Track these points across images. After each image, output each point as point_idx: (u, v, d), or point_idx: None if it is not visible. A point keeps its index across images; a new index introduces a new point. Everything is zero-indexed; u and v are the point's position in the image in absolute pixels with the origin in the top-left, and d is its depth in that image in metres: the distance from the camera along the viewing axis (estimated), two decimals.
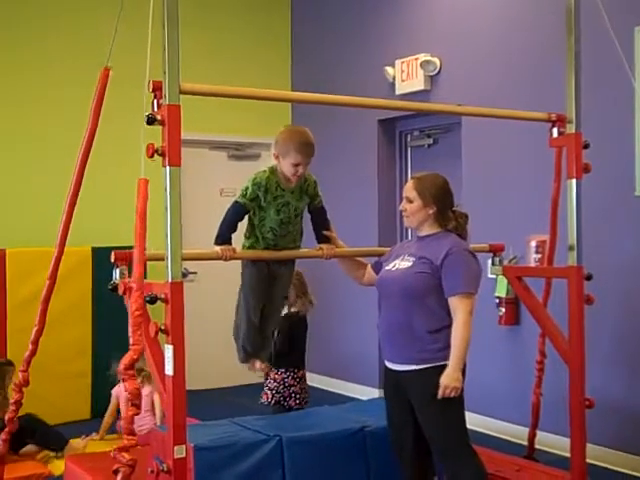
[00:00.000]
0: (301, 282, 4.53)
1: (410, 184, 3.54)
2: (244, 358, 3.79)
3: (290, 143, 3.46)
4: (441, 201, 3.50)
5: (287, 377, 4.56)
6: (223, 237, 3.46)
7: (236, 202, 3.53)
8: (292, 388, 4.56)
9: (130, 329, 2.82)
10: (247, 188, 3.51)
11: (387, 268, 3.58)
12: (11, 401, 3.96)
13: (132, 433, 2.78)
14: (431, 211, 3.49)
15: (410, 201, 3.51)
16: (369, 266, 3.82)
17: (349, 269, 3.88)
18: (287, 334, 4.51)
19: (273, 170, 3.54)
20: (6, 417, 4.00)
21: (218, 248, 3.42)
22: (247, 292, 3.67)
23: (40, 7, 6.64)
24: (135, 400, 2.77)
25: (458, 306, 3.32)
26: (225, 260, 3.43)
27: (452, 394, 3.26)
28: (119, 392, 5.22)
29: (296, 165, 3.47)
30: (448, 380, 3.26)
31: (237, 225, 3.52)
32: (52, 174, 6.33)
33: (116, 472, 2.74)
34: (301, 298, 4.55)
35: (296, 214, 3.61)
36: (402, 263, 3.49)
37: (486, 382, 5.51)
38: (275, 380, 4.54)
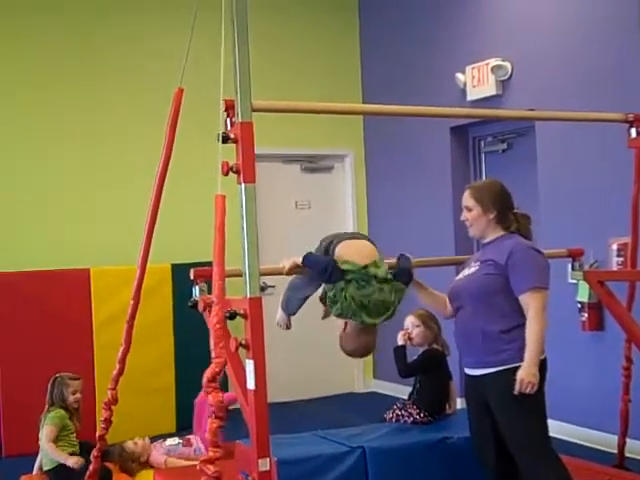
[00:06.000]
0: (437, 324, 4.12)
1: (467, 193, 3.57)
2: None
3: (352, 350, 3.38)
4: (500, 204, 3.52)
5: (421, 417, 4.02)
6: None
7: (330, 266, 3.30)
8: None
9: (212, 343, 2.86)
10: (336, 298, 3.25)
11: (456, 279, 3.63)
12: (101, 419, 4.05)
13: (216, 445, 2.81)
14: (492, 216, 3.51)
15: (469, 210, 3.55)
16: (446, 298, 3.74)
17: (431, 303, 3.83)
18: (429, 370, 4.06)
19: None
20: (97, 434, 4.10)
21: (286, 262, 3.41)
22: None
23: (119, 29, 6.86)
24: (219, 412, 2.80)
25: (529, 302, 3.31)
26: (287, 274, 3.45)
27: (528, 389, 3.23)
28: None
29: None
30: (524, 374, 3.24)
31: None
32: (132, 194, 6.51)
33: None
34: (441, 338, 4.13)
35: None
36: (469, 270, 3.55)
37: (572, 389, 5.39)
38: (411, 415, 4.01)
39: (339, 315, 3.25)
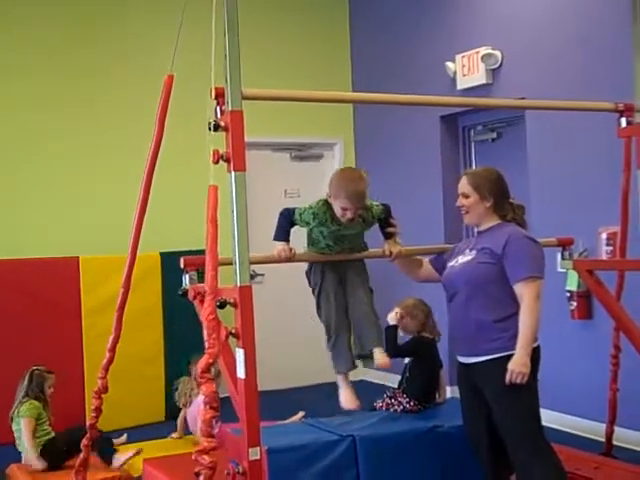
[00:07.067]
0: (424, 312, 4.09)
1: (464, 180, 3.55)
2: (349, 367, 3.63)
3: (341, 189, 3.42)
4: (497, 193, 3.50)
5: (411, 406, 3.99)
6: (277, 238, 3.52)
7: (288, 211, 3.52)
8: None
9: (205, 333, 2.85)
10: (306, 210, 3.50)
11: (450, 265, 3.60)
12: (92, 407, 4.04)
13: (211, 435, 2.80)
14: (488, 204, 3.49)
15: (466, 196, 3.52)
16: (426, 261, 3.81)
17: (404, 265, 3.84)
18: (418, 356, 4.06)
19: (328, 204, 3.50)
20: (87, 423, 4.11)
21: (275, 252, 3.45)
22: (324, 296, 3.63)
23: (107, 18, 6.83)
24: (213, 403, 2.79)
25: (524, 292, 3.30)
26: (283, 262, 3.47)
27: (518, 380, 3.23)
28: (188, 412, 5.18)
29: (344, 209, 3.44)
30: (514, 365, 3.23)
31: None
32: (121, 182, 6.48)
33: (198, 475, 2.76)
34: (429, 325, 4.11)
35: (354, 239, 3.61)
36: (464, 257, 3.52)
37: (561, 378, 5.41)
38: (401, 404, 4.02)
39: (320, 204, 3.48)
